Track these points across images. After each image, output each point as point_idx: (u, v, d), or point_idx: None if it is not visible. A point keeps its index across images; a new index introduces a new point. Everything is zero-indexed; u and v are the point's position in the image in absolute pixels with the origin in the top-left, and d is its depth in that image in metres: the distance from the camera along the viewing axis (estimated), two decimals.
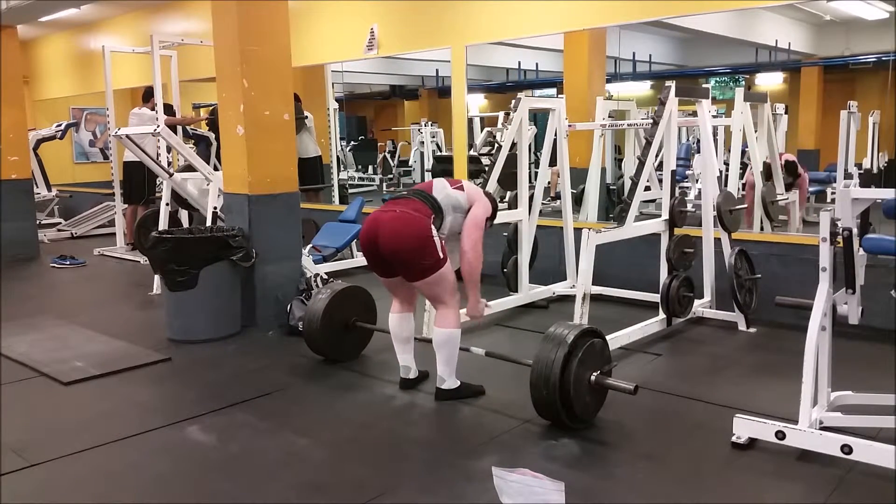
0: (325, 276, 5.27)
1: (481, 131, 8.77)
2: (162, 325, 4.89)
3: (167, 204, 6.34)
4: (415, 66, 10.92)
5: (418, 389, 3.73)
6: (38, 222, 9.04)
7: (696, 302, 4.81)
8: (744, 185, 6.07)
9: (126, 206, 8.29)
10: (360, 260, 6.50)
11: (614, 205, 7.05)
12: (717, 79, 8.93)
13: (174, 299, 4.70)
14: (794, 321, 4.42)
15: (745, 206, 5.16)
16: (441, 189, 3.62)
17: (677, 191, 4.82)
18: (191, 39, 7.27)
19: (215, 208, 5.73)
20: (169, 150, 6.86)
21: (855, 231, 2.85)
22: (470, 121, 7.14)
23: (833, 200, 3.21)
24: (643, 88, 9.21)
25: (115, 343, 4.67)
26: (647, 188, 6.30)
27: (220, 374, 4.12)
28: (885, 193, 2.82)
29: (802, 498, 2.63)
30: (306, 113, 7.96)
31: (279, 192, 5.05)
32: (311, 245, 6.45)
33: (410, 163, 12.83)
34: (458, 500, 2.64)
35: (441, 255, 3.42)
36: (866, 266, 3.04)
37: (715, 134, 5.75)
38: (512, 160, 5.12)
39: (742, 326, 4.71)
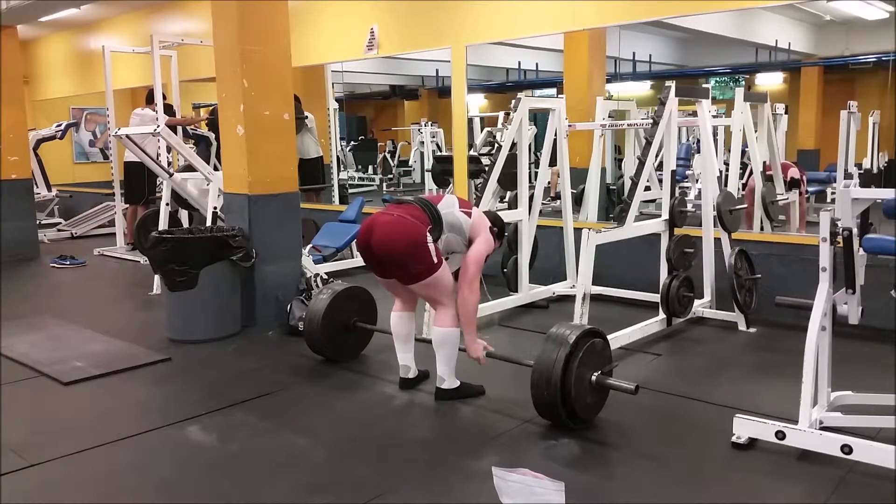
0: (325, 276, 5.27)
1: (481, 131, 8.76)
2: (162, 325, 4.89)
3: (167, 204, 6.35)
4: (415, 66, 10.91)
5: (418, 389, 3.73)
6: (38, 222, 9.04)
7: (697, 302, 4.81)
8: (744, 185, 6.07)
9: (126, 206, 8.29)
10: (359, 260, 6.48)
11: (614, 205, 7.04)
12: (717, 79, 8.93)
13: (174, 299, 4.70)
14: (795, 321, 4.42)
15: (745, 206, 5.16)
16: (448, 206, 3.55)
17: (677, 191, 4.82)
18: (191, 39, 7.27)
19: (215, 208, 5.73)
20: (169, 150, 6.86)
21: (855, 231, 2.85)
22: (470, 121, 7.13)
23: (833, 200, 3.21)
24: (643, 88, 9.21)
25: (115, 343, 4.67)
26: (647, 188, 6.29)
27: (220, 374, 4.12)
28: (885, 193, 2.82)
29: (802, 498, 2.63)
30: (307, 113, 7.96)
31: (279, 192, 5.05)
32: (311, 245, 6.45)
33: (410, 163, 12.83)
34: (458, 500, 2.64)
35: (435, 260, 3.38)
36: (866, 266, 3.04)
37: (715, 134, 5.75)
38: (512, 160, 5.12)
39: (742, 326, 4.71)
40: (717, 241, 4.82)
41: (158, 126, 6.01)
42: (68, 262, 7.63)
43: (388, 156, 13.19)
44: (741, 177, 6.01)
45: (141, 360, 4.30)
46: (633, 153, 7.29)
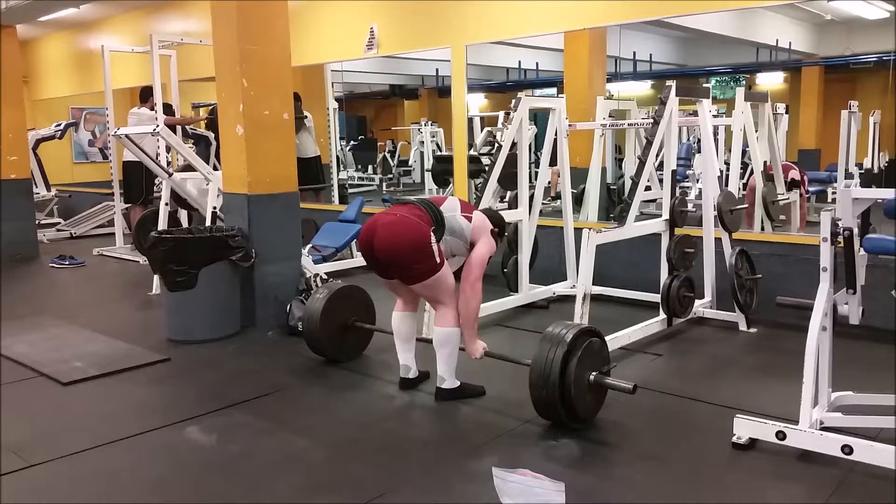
0: (325, 276, 5.26)
1: (481, 131, 8.77)
2: (161, 325, 4.89)
3: (167, 204, 6.34)
4: (415, 66, 10.92)
5: (418, 389, 3.73)
6: (37, 222, 9.04)
7: (697, 302, 4.81)
8: (745, 185, 6.07)
9: (126, 206, 8.28)
10: (359, 260, 6.49)
11: (614, 205, 7.04)
12: (718, 78, 8.93)
13: (174, 299, 4.70)
14: (795, 321, 4.41)
15: (746, 206, 5.16)
16: (451, 209, 3.55)
17: (678, 191, 4.82)
18: (190, 39, 7.27)
19: (215, 208, 5.73)
20: (168, 149, 6.85)
21: (856, 231, 2.84)
22: (470, 120, 7.14)
23: (834, 200, 3.21)
24: (644, 88, 9.21)
25: (115, 343, 4.66)
26: (648, 188, 6.30)
27: (219, 374, 4.12)
28: (886, 193, 2.82)
29: (803, 498, 2.63)
30: (306, 113, 7.96)
31: (279, 192, 5.05)
32: (310, 245, 6.44)
33: (410, 162, 12.83)
34: (458, 500, 2.63)
35: (438, 260, 3.39)
36: (867, 266, 3.04)
37: (715, 134, 5.75)
38: (512, 160, 5.11)
39: (743, 327, 4.70)
40: (718, 240, 4.81)
41: (158, 126, 6.00)
42: (68, 262, 7.63)
43: (387, 155, 13.19)
44: (742, 177, 6.00)
45: (140, 360, 4.30)
46: (633, 153, 7.29)
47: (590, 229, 4.12)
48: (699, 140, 6.12)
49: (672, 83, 4.50)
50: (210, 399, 3.66)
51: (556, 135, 5.49)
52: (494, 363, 3.64)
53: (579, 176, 6.76)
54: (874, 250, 2.95)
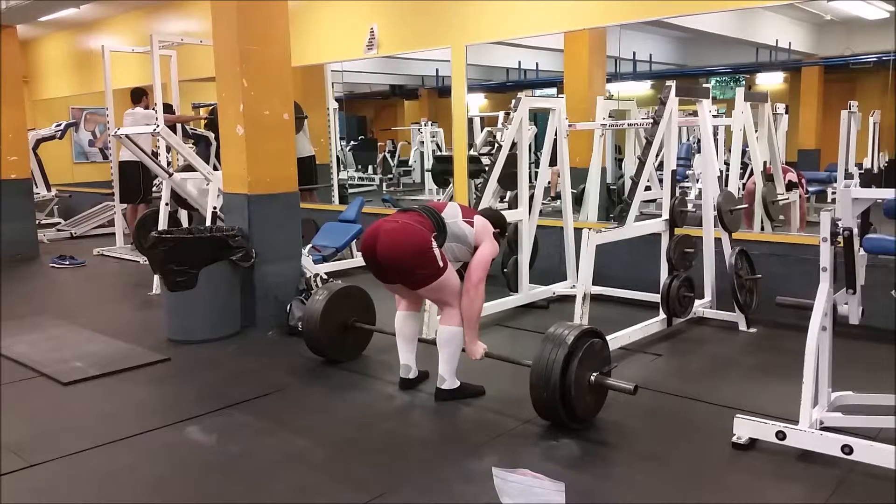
0: (325, 276, 5.26)
1: (481, 131, 8.75)
2: (162, 325, 4.89)
3: (167, 204, 6.34)
4: (415, 66, 10.92)
5: (418, 389, 3.73)
6: (37, 222, 9.04)
7: (697, 302, 4.81)
8: (744, 185, 6.07)
9: (125, 205, 8.29)
10: (359, 260, 6.49)
11: (614, 205, 7.04)
12: (718, 78, 8.92)
13: (174, 299, 4.70)
14: (795, 321, 4.41)
15: (746, 206, 5.16)
16: (452, 215, 3.58)
17: (678, 191, 4.82)
18: (190, 39, 7.27)
19: (215, 208, 5.72)
20: (168, 149, 6.85)
21: (855, 231, 2.84)
22: (470, 120, 7.13)
23: (833, 200, 3.21)
24: (643, 88, 9.21)
25: (115, 343, 4.66)
26: (648, 188, 6.30)
27: (219, 374, 4.12)
28: (886, 193, 2.82)
29: (803, 498, 2.63)
30: (304, 113, 7.96)
31: (279, 192, 5.05)
32: (310, 245, 6.44)
33: (410, 163, 12.83)
34: (458, 500, 2.63)
35: (441, 264, 3.41)
36: (867, 266, 3.04)
37: (715, 134, 5.74)
38: (512, 160, 5.11)
39: (743, 326, 4.70)
40: (718, 240, 4.81)
41: (158, 126, 6.00)
42: (68, 262, 7.63)
43: (387, 156, 13.18)
44: (742, 177, 6.00)
45: (140, 360, 4.30)
46: (633, 153, 7.29)
47: (590, 229, 4.12)
48: (699, 140, 6.12)
49: (672, 83, 4.50)
50: (210, 399, 3.66)
51: (556, 135, 5.49)
52: (494, 363, 3.64)
53: (579, 176, 6.76)
54: (874, 250, 2.96)
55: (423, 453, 3.06)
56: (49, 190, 10.39)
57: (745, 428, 2.98)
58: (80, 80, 10.80)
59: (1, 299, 5.99)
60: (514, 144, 5.08)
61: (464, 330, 3.53)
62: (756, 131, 5.48)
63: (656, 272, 4.72)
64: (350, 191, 10.24)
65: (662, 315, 4.60)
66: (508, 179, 5.27)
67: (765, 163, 5.63)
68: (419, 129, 11.83)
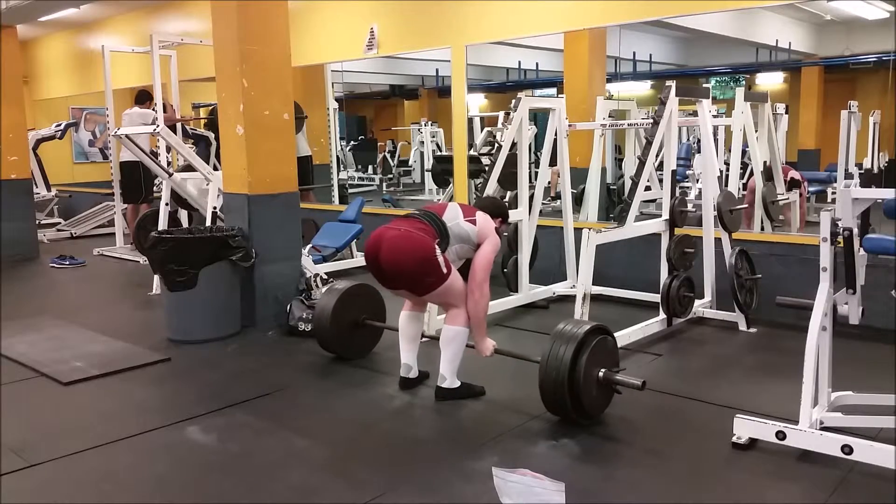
0: (325, 276, 5.27)
1: (481, 131, 8.76)
2: (162, 325, 4.89)
3: (167, 204, 6.34)
4: (415, 66, 10.92)
5: (419, 389, 3.73)
6: (37, 222, 9.03)
7: (697, 302, 4.81)
8: (745, 185, 6.07)
9: (126, 205, 8.29)
10: (359, 260, 6.50)
11: (614, 205, 7.04)
12: (718, 78, 8.93)
13: (174, 299, 4.70)
14: (795, 321, 4.42)
15: (746, 206, 5.16)
16: (453, 217, 3.58)
17: (677, 191, 4.82)
18: (190, 39, 7.27)
19: (215, 208, 5.72)
20: (168, 149, 6.85)
21: (855, 231, 2.85)
22: (470, 120, 7.14)
23: (833, 200, 3.21)
24: (643, 88, 9.21)
25: (115, 343, 4.66)
26: (648, 188, 6.30)
27: (220, 374, 4.12)
28: (886, 193, 2.82)
29: (803, 498, 2.63)
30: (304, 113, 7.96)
31: (279, 192, 5.05)
32: (310, 245, 6.44)
33: (410, 163, 12.83)
34: (458, 500, 2.63)
35: (445, 271, 3.41)
36: (867, 266, 3.04)
37: (715, 134, 5.74)
38: (512, 160, 5.11)
39: (742, 326, 4.70)
40: (718, 240, 4.81)
41: (158, 126, 6.00)
42: (68, 262, 7.63)
43: (388, 156, 13.19)
44: (741, 177, 6.00)
45: (141, 360, 4.30)
46: (633, 153, 7.29)
47: (590, 229, 4.12)
48: (699, 140, 6.12)
49: (672, 83, 4.51)
50: (210, 399, 3.66)
51: (556, 135, 5.49)
52: (494, 363, 3.65)
53: (579, 176, 6.77)
54: (874, 250, 2.96)
55: (423, 453, 3.06)
56: (49, 190, 10.38)
57: (745, 428, 2.98)
58: (80, 80, 10.80)
59: (1, 299, 5.99)
60: (514, 144, 5.08)
61: (472, 329, 3.55)
62: (756, 131, 5.48)
63: (656, 272, 4.72)
64: (350, 191, 10.24)
65: (662, 315, 4.60)
66: (508, 179, 5.27)
67: (765, 163, 5.63)
68: (419, 129, 11.83)
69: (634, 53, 8.25)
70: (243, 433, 3.26)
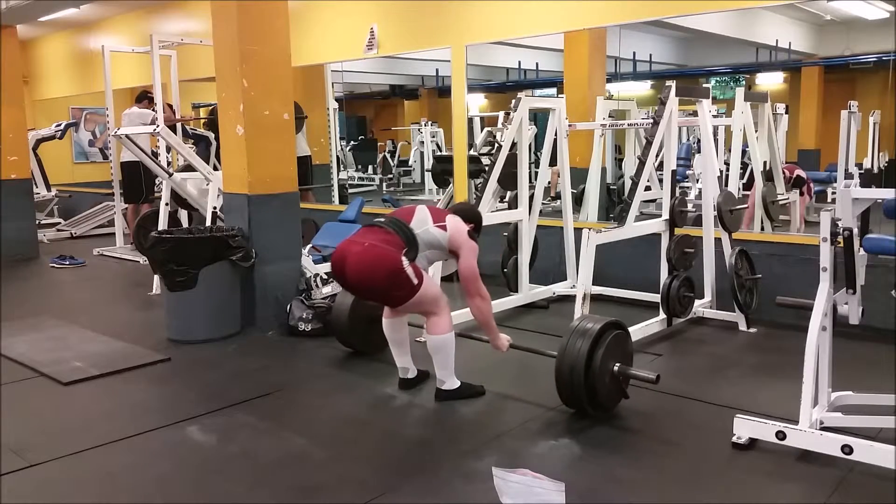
0: (325, 276, 5.26)
1: (481, 131, 8.75)
2: (162, 325, 4.89)
3: (167, 204, 6.34)
4: (415, 66, 10.91)
5: (418, 389, 3.73)
6: (37, 222, 9.03)
7: (697, 302, 4.81)
8: (745, 185, 6.06)
9: (126, 206, 8.29)
10: None
11: (614, 205, 7.04)
12: (718, 78, 8.93)
13: (174, 299, 4.70)
14: (795, 321, 4.41)
15: (746, 206, 5.15)
16: (421, 223, 3.47)
17: (678, 191, 4.82)
18: (190, 39, 7.27)
19: (215, 208, 5.72)
20: (168, 149, 6.85)
21: (855, 231, 2.85)
22: (470, 120, 7.13)
23: (833, 200, 3.21)
24: (643, 88, 9.21)
25: (115, 343, 4.66)
26: (648, 188, 6.30)
27: (220, 374, 4.12)
28: (886, 193, 2.82)
29: (803, 498, 2.63)
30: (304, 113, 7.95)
31: (279, 192, 5.05)
32: (310, 245, 6.44)
33: (410, 163, 12.83)
34: (458, 500, 2.63)
35: (416, 282, 3.34)
36: (867, 266, 3.04)
37: (715, 134, 5.74)
38: (512, 160, 5.11)
39: (743, 326, 4.70)
40: (718, 240, 4.81)
41: (158, 126, 6.00)
42: (68, 262, 7.63)
43: (388, 156, 13.18)
44: (741, 177, 6.00)
45: (141, 360, 4.30)
46: (633, 153, 7.29)
47: (590, 229, 4.12)
48: (699, 140, 6.12)
49: (672, 83, 4.50)
50: (210, 399, 3.66)
51: (555, 135, 5.49)
52: (494, 363, 3.65)
53: (579, 176, 6.76)
54: (874, 250, 2.96)
55: (423, 453, 3.06)
56: (49, 190, 10.38)
57: (745, 428, 2.98)
58: (80, 80, 10.80)
59: (1, 299, 5.99)
60: (514, 144, 5.08)
61: (484, 330, 3.62)
62: (756, 131, 5.48)
63: (656, 272, 4.72)
64: (350, 191, 10.23)
65: (662, 315, 4.60)
66: (508, 179, 5.27)
67: (765, 163, 5.62)
68: (419, 129, 11.83)
69: (634, 53, 8.24)
70: (243, 433, 3.26)
